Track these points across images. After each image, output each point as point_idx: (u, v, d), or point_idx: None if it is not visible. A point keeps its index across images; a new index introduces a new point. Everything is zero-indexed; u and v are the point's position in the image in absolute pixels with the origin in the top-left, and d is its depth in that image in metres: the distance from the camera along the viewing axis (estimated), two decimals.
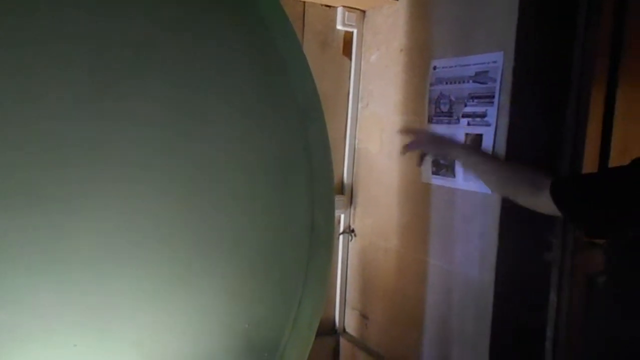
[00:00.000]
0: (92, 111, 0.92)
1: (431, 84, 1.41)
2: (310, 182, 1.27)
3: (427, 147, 1.17)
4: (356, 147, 1.72)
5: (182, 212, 1.05)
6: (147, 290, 1.01)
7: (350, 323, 1.76)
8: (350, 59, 1.68)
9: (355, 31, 1.66)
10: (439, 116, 1.38)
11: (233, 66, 1.14)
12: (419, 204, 1.47)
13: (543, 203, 0.99)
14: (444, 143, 1.16)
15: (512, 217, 1.21)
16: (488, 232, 1.25)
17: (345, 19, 1.62)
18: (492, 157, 1.16)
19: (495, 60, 1.23)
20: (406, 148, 1.17)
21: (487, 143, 1.24)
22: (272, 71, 1.21)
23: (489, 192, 1.24)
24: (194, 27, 1.07)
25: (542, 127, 1.20)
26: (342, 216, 1.74)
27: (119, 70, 0.94)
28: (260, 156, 1.18)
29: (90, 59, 0.91)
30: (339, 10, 1.62)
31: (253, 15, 1.18)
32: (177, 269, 1.05)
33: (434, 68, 1.40)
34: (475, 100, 1.27)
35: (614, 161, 1.17)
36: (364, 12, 1.66)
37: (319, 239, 1.29)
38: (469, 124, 1.29)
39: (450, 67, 1.35)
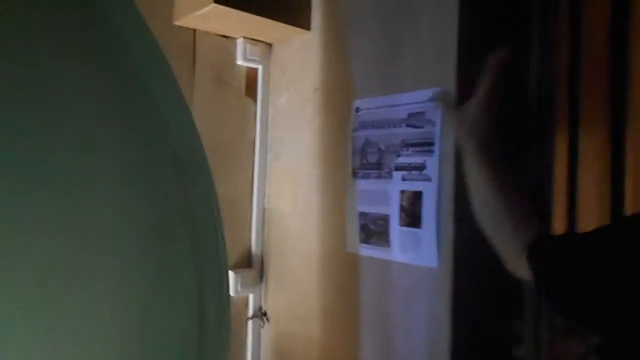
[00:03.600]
0: None
1: (354, 130, 1.13)
2: (195, 261, 0.92)
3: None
4: (265, 207, 1.39)
5: (30, 309, 0.66)
6: None
7: None
8: (255, 101, 1.38)
9: (260, 68, 1.37)
10: (366, 169, 1.10)
11: (82, 113, 0.79)
12: (344, 280, 1.15)
13: (525, 270, 0.71)
14: (461, 117, 0.86)
15: (469, 298, 0.92)
16: (437, 318, 0.95)
17: (247, 52, 1.33)
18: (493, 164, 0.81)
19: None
20: None
21: (428, 203, 0.97)
22: (139, 116, 0.86)
23: (436, 265, 0.96)
24: (28, 55, 0.71)
25: None
26: (251, 296, 1.37)
27: None
28: (125, 228, 0.81)
29: None
30: (239, 42, 1.33)
31: (108, 41, 0.84)
32: None
33: (357, 110, 1.13)
34: (411, 149, 1.01)
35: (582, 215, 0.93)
36: (270, 45, 1.38)
37: (211, 337, 0.93)
38: (404, 178, 1.02)
39: (377, 108, 1.09)
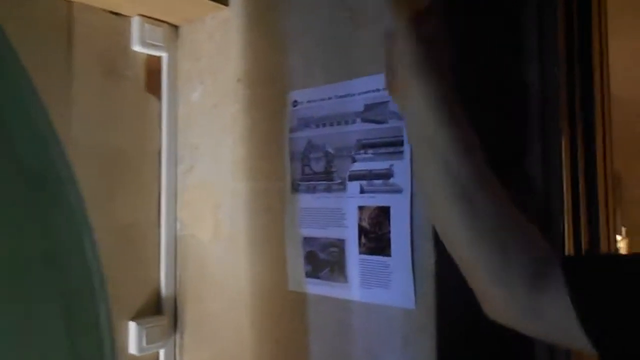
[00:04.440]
0: None
1: (292, 130, 0.87)
2: (65, 319, 0.61)
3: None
4: (178, 235, 1.08)
5: None
6: None
7: None
8: (159, 98, 1.07)
9: (164, 55, 1.07)
10: (311, 180, 0.84)
11: None
12: (287, 327, 0.88)
13: (549, 308, 0.47)
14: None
15: (459, 347, 0.69)
16: None
17: (146, 35, 1.03)
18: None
19: None
20: None
21: (398, 222, 0.73)
22: None
23: (412, 306, 0.72)
24: None
25: None
26: (162, 352, 1.05)
27: None
28: None
29: None
30: (135, 21, 1.02)
31: None
32: None
33: (294, 104, 0.87)
34: (370, 151, 0.76)
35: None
36: (176, 27, 1.08)
37: None
38: (363, 190, 0.77)
39: (321, 100, 0.83)
